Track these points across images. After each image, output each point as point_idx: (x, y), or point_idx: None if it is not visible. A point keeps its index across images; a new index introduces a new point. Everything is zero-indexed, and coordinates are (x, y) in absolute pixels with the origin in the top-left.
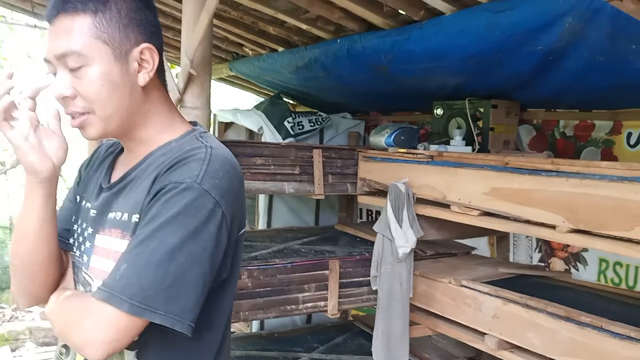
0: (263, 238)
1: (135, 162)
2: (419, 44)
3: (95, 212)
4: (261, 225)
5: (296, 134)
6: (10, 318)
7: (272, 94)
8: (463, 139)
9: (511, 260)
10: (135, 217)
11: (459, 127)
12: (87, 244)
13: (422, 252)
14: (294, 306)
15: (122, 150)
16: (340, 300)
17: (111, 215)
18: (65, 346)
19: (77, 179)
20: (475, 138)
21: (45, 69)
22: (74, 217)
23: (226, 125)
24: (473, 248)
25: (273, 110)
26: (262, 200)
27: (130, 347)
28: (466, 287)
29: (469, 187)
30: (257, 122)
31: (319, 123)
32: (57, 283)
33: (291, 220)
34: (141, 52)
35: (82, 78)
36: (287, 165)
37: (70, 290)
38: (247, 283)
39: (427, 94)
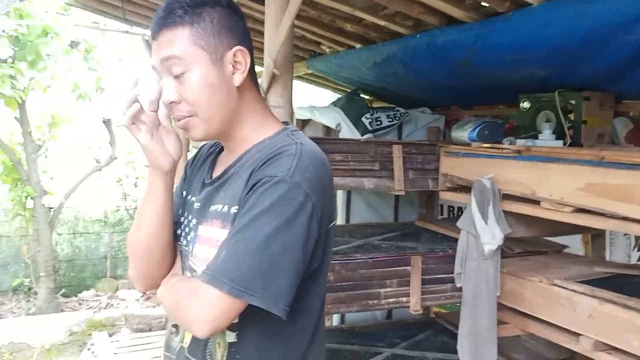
0: (342, 233)
1: (233, 159)
2: (504, 36)
3: (199, 204)
4: (339, 220)
5: (374, 130)
6: (106, 305)
7: (348, 90)
8: (553, 133)
9: (607, 259)
10: (234, 209)
11: (547, 121)
12: (192, 234)
13: (510, 249)
14: (375, 301)
15: (222, 149)
16: (422, 296)
17: (213, 207)
18: (175, 325)
19: (183, 176)
20: (567, 131)
21: (153, 74)
22: (180, 211)
23: (304, 122)
24: (564, 246)
25: (350, 106)
26: (340, 195)
27: (231, 329)
28: (559, 286)
29: (561, 183)
30: (334, 119)
31: (397, 118)
32: (169, 268)
33: (369, 215)
34: (234, 55)
35: (184, 83)
36: (367, 161)
37: (179, 275)
38: (329, 277)
39: (511, 87)
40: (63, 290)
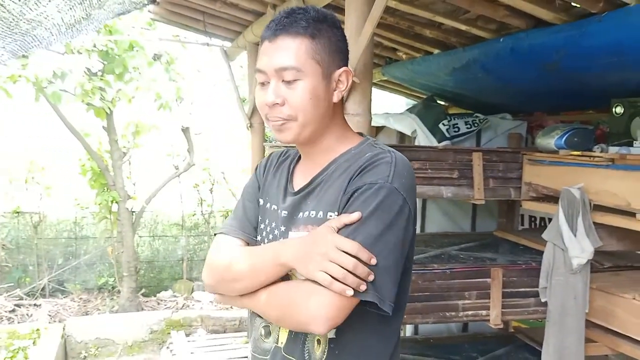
0: (418, 242)
1: (317, 169)
2: (597, 38)
3: (286, 212)
4: None
5: (452, 137)
6: (183, 306)
7: (423, 96)
8: None
9: None
10: (330, 214)
11: None
12: (281, 239)
13: (600, 263)
14: (453, 313)
15: (295, 159)
16: (503, 310)
17: (303, 214)
18: (266, 327)
19: (256, 183)
20: None
21: (259, 79)
22: (260, 217)
23: (377, 129)
24: None
25: (427, 113)
26: None
27: None
28: None
29: None
30: (410, 126)
31: (475, 125)
32: None
33: (446, 224)
34: (340, 74)
35: (294, 89)
36: (445, 169)
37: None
38: None
39: (602, 91)
40: (143, 290)
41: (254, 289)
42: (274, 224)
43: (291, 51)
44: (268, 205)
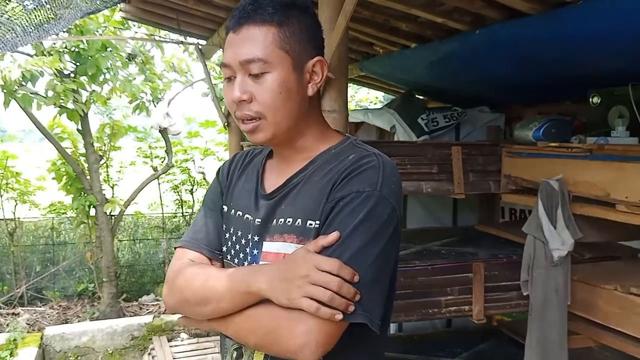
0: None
1: (293, 169)
2: (574, 27)
3: (259, 220)
4: None
5: (431, 131)
6: (165, 310)
7: (402, 91)
8: (626, 129)
9: None
10: (311, 223)
11: (620, 116)
12: (254, 251)
13: (580, 255)
14: (436, 310)
15: (265, 157)
16: (486, 305)
17: (279, 221)
18: (238, 349)
19: (218, 189)
20: None
21: (224, 73)
22: (224, 227)
23: (356, 126)
24: (639, 250)
25: (406, 107)
26: None
27: None
28: (636, 295)
29: (639, 184)
30: (389, 121)
31: (454, 118)
32: None
33: (427, 220)
34: (314, 65)
35: (262, 84)
36: (424, 164)
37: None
38: None
39: (579, 82)
40: (124, 295)
41: (220, 315)
42: (240, 232)
43: (257, 41)
44: (233, 212)
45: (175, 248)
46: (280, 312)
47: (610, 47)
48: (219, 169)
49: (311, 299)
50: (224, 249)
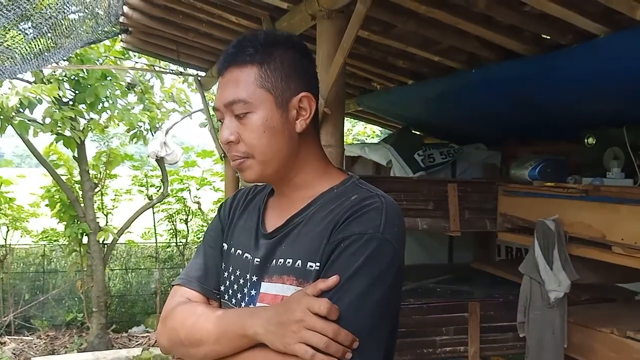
0: None
1: (294, 208)
2: (567, 70)
3: (259, 260)
4: None
5: (427, 167)
6: (155, 342)
7: (399, 126)
8: (622, 171)
9: None
10: (311, 265)
11: (615, 158)
12: (252, 291)
13: (576, 296)
14: (430, 349)
15: (267, 195)
16: (482, 345)
17: (278, 262)
18: None
19: (219, 226)
20: (637, 170)
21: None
22: (223, 265)
23: (353, 160)
24: (635, 293)
25: (402, 143)
26: None
27: None
28: (633, 339)
29: (635, 226)
30: (385, 156)
31: (450, 155)
32: None
33: (422, 256)
34: (300, 100)
35: (246, 124)
36: (420, 200)
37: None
38: None
39: (574, 122)
40: (114, 326)
41: (215, 358)
42: (238, 272)
43: (238, 83)
44: (233, 250)
45: (172, 286)
46: (277, 358)
47: (604, 90)
48: (220, 206)
49: (307, 344)
50: (222, 288)
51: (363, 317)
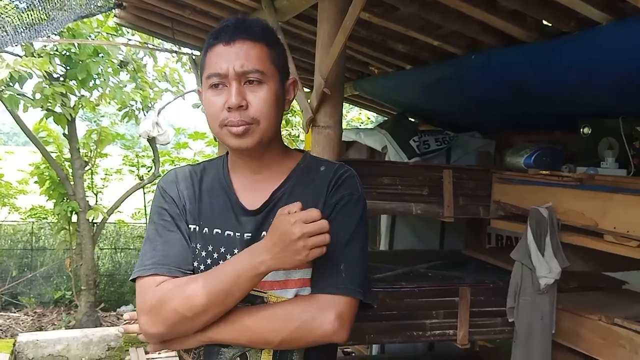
0: (386, 260)
1: (272, 184)
2: (568, 58)
3: (249, 235)
4: (383, 246)
5: (422, 154)
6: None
7: (395, 112)
8: (616, 161)
9: None
10: None
11: (610, 148)
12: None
13: (565, 284)
14: (420, 332)
15: (222, 175)
16: (471, 329)
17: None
18: (242, 355)
19: (175, 210)
20: (632, 160)
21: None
22: (199, 245)
23: (347, 145)
24: (623, 282)
25: (398, 129)
26: (384, 220)
27: None
28: (620, 326)
29: (627, 215)
30: (381, 141)
31: (446, 142)
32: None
33: (414, 242)
34: (290, 83)
35: (258, 92)
36: (415, 185)
37: (255, 306)
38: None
39: (571, 112)
40: (102, 305)
41: (219, 316)
42: (223, 249)
43: (254, 55)
44: (207, 230)
45: (133, 279)
46: (308, 305)
47: (603, 79)
48: (163, 189)
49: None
50: (202, 267)
51: (363, 260)
